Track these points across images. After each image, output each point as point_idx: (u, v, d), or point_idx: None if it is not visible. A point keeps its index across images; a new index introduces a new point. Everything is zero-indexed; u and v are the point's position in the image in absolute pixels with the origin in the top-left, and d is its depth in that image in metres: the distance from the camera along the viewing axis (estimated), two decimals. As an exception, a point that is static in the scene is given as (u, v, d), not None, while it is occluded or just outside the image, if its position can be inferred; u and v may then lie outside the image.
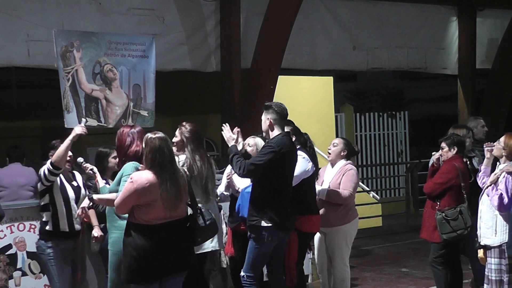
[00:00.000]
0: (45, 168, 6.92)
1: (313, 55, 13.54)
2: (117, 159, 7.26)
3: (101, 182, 7.21)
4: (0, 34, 10.31)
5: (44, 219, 7.06)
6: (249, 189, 7.59)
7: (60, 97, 9.43)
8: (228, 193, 8.26)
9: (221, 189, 8.24)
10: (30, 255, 8.13)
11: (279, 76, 12.49)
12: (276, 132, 7.39)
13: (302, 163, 7.80)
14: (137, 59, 10.16)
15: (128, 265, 6.24)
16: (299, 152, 7.74)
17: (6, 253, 7.90)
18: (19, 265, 8.03)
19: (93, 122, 9.63)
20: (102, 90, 9.78)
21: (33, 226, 8.17)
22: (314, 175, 8.12)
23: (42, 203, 7.05)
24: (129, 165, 6.79)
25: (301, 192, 7.72)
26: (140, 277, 6.21)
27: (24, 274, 8.11)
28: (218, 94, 12.93)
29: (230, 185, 8.16)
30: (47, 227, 7.01)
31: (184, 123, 7.69)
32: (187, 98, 14.54)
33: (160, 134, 6.39)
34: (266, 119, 7.46)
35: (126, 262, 6.26)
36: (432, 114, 36.31)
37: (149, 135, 6.37)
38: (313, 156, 8.16)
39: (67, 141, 6.94)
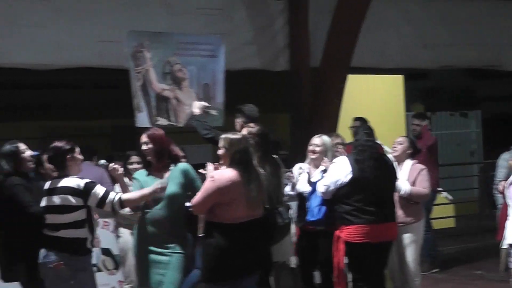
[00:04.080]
0: (115, 198, 6.55)
1: (383, 54, 13.55)
2: (151, 160, 7.07)
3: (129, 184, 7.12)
4: (73, 36, 10.65)
5: (80, 236, 6.52)
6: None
7: (130, 97, 9.67)
8: (294, 193, 8.36)
9: (287, 189, 8.33)
10: (104, 251, 8.43)
11: (348, 75, 12.55)
12: None
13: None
14: (206, 58, 10.29)
15: (209, 264, 6.31)
16: None
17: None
18: (93, 261, 8.29)
19: (163, 122, 9.81)
20: (172, 90, 9.94)
21: (106, 224, 8.47)
22: None
23: (79, 219, 6.50)
24: (186, 165, 6.93)
25: None
26: (221, 276, 6.28)
27: (98, 270, 8.40)
28: (287, 93, 13.07)
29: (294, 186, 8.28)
30: (88, 245, 6.58)
31: (251, 125, 7.62)
32: (255, 97, 14.66)
33: (241, 134, 6.55)
34: (236, 122, 7.89)
35: (207, 261, 6.34)
36: (506, 112, 35.72)
37: (230, 135, 6.51)
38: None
39: (146, 192, 6.67)
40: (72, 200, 6.43)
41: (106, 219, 8.41)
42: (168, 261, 6.73)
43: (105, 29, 10.78)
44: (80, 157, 6.70)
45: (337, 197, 7.56)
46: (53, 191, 6.50)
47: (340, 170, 7.53)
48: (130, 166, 8.10)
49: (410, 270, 8.41)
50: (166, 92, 9.94)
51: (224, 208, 6.30)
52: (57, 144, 6.65)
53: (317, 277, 8.40)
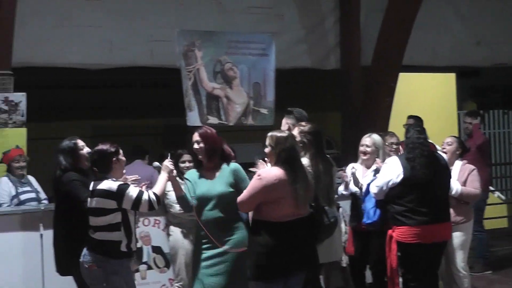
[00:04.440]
0: (150, 196, 6.44)
1: (435, 51, 13.45)
2: (202, 159, 6.94)
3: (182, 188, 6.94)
4: (125, 35, 10.79)
5: (114, 239, 6.40)
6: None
7: (181, 95, 9.71)
8: (347, 193, 8.33)
9: (340, 188, 8.31)
10: (155, 249, 8.49)
11: (400, 73, 12.48)
12: None
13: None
14: (257, 57, 10.29)
15: (256, 262, 6.28)
16: None
17: (133, 247, 8.21)
18: (144, 259, 8.39)
19: (214, 120, 9.85)
20: (223, 89, 9.97)
21: (157, 222, 8.53)
22: None
23: (113, 222, 6.39)
24: (236, 165, 6.87)
25: None
26: (269, 274, 6.24)
27: (149, 267, 8.48)
28: (337, 92, 13.03)
29: (347, 185, 8.24)
30: (122, 248, 6.42)
31: (303, 124, 7.54)
32: (306, 96, 14.66)
33: (287, 132, 6.53)
34: (285, 123, 7.78)
35: (254, 259, 6.30)
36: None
37: (276, 133, 6.45)
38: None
39: (164, 179, 6.65)
40: (106, 203, 6.34)
41: (157, 217, 8.47)
42: (220, 263, 6.66)
43: (156, 28, 10.89)
44: (124, 159, 6.65)
45: (389, 198, 7.51)
46: (93, 193, 6.43)
47: (391, 170, 7.47)
48: (182, 165, 8.13)
49: (458, 270, 8.33)
50: (217, 91, 9.96)
51: (271, 207, 6.27)
52: (102, 146, 6.56)
53: (368, 277, 8.37)
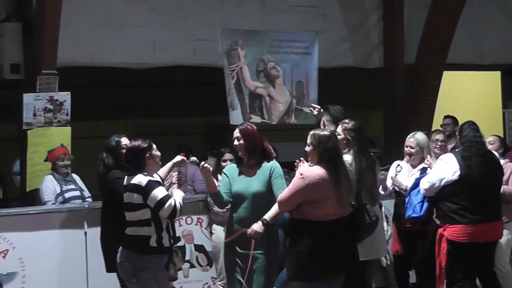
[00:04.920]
0: (176, 204, 6.31)
1: (480, 49, 13.29)
2: (241, 156, 6.85)
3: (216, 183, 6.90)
4: (169, 35, 10.83)
5: (142, 234, 6.33)
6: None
7: (224, 94, 9.71)
8: (384, 193, 8.23)
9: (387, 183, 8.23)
10: (197, 247, 8.52)
11: (444, 72, 12.38)
12: None
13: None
14: (300, 56, 10.28)
15: (298, 262, 6.22)
16: None
17: (176, 245, 8.26)
18: (187, 257, 8.42)
19: (257, 119, 9.84)
20: (265, 88, 9.96)
21: (200, 220, 8.56)
22: None
23: (143, 218, 6.31)
24: (274, 164, 6.78)
25: None
26: (311, 274, 6.18)
27: (192, 266, 8.51)
28: (380, 90, 12.96)
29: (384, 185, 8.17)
30: (151, 243, 6.33)
31: (346, 121, 7.45)
32: (348, 95, 14.62)
33: (329, 131, 6.47)
34: (322, 120, 7.84)
35: (295, 259, 6.24)
36: None
37: (318, 132, 6.39)
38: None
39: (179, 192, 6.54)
40: (135, 198, 6.27)
41: (200, 216, 8.49)
42: (253, 264, 6.58)
43: (199, 27, 10.92)
44: (158, 153, 6.54)
45: (442, 195, 7.43)
46: (125, 188, 6.40)
47: (446, 168, 7.38)
48: (224, 164, 8.15)
49: (501, 268, 8.22)
50: (260, 89, 9.96)
51: (313, 206, 6.20)
52: (134, 143, 6.48)
53: (412, 276, 8.31)
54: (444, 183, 7.36)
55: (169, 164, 6.65)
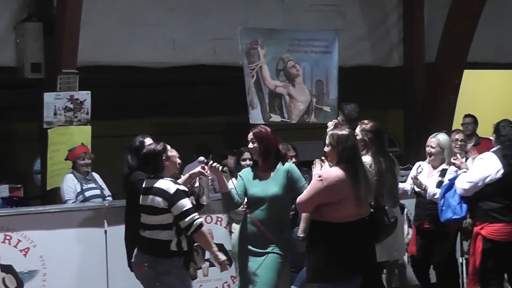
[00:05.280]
0: (197, 221, 6.29)
1: (501, 48, 13.20)
2: (256, 159, 6.86)
3: (230, 184, 6.84)
4: (188, 34, 10.86)
5: (163, 238, 6.28)
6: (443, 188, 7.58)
7: (243, 93, 9.71)
8: (408, 190, 8.21)
9: (403, 185, 8.19)
10: (217, 246, 8.49)
11: (465, 70, 12.31)
12: None
13: None
14: (320, 55, 10.26)
15: (317, 264, 6.18)
16: None
17: (196, 244, 8.25)
18: (207, 256, 8.40)
19: (276, 118, 9.84)
20: (285, 86, 9.96)
21: (219, 219, 8.56)
22: None
23: (165, 222, 6.27)
24: (290, 166, 6.75)
25: None
26: (329, 276, 6.15)
27: (211, 265, 8.49)
28: (400, 89, 12.91)
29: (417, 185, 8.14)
30: (172, 247, 6.29)
31: (365, 121, 7.41)
32: (368, 94, 14.58)
33: (348, 131, 6.40)
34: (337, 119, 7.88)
35: (314, 261, 6.20)
36: None
37: (337, 132, 6.33)
38: None
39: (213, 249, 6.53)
40: (160, 202, 6.22)
41: (219, 215, 8.49)
42: (263, 261, 6.62)
43: (219, 26, 10.93)
44: (174, 153, 6.50)
45: (483, 194, 7.36)
46: (148, 190, 6.32)
47: (489, 166, 7.31)
48: (243, 163, 8.13)
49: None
50: (279, 88, 9.95)
51: (332, 207, 6.15)
52: (149, 147, 6.46)
53: (433, 276, 8.28)
54: (487, 181, 7.31)
55: (186, 176, 6.66)
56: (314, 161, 6.50)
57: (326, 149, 6.33)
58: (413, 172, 8.22)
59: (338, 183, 6.11)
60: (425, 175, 8.12)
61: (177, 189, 6.25)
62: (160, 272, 6.27)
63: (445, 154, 8.07)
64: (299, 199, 6.30)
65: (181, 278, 6.39)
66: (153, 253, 6.29)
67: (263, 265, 6.62)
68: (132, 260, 6.48)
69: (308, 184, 6.41)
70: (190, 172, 6.72)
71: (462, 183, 7.43)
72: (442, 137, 8.14)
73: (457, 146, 8.88)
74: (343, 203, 6.14)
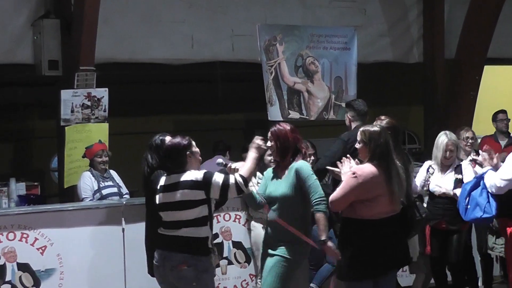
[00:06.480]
0: (236, 179, 6.03)
1: (522, 43, 13.07)
2: (273, 157, 6.73)
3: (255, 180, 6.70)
4: (207, 31, 10.79)
5: (202, 235, 6.06)
6: (467, 186, 7.42)
7: (262, 90, 9.65)
8: (418, 188, 8.02)
9: (417, 183, 8.03)
10: (235, 244, 8.42)
11: (485, 66, 12.18)
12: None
13: None
14: (339, 51, 10.21)
15: (350, 261, 6.10)
16: None
17: (214, 242, 8.16)
18: (225, 254, 8.32)
19: (295, 115, 9.79)
20: (304, 83, 9.92)
21: (238, 217, 8.46)
22: None
23: (201, 215, 6.04)
24: (300, 164, 6.49)
25: None
26: (362, 274, 6.08)
27: (230, 263, 8.42)
28: (420, 86, 12.79)
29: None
30: (209, 244, 6.12)
31: (382, 117, 7.39)
32: (388, 90, 14.50)
33: (380, 127, 6.28)
34: (346, 117, 7.91)
35: (347, 258, 6.12)
36: None
37: (369, 128, 6.25)
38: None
39: (253, 158, 6.21)
40: (193, 194, 5.97)
41: (238, 212, 8.40)
42: (267, 263, 6.49)
43: (238, 23, 10.86)
44: (198, 150, 6.27)
45: None
46: (172, 186, 6.05)
47: None
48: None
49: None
50: (298, 85, 9.91)
51: (366, 204, 6.08)
52: (173, 141, 6.20)
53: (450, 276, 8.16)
54: None
55: (252, 158, 6.24)
56: (342, 159, 6.39)
57: (358, 146, 6.28)
58: (422, 174, 8.06)
59: (372, 179, 6.07)
60: (437, 175, 7.97)
61: (204, 173, 6.02)
62: (201, 270, 6.04)
63: (459, 152, 7.99)
64: (332, 197, 6.19)
65: (213, 276, 6.27)
66: (192, 252, 6.02)
67: (265, 267, 6.47)
68: (156, 263, 6.17)
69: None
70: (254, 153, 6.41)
71: (496, 181, 7.23)
72: (452, 136, 8.02)
73: (468, 144, 8.72)
74: (377, 199, 6.10)
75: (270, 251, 6.50)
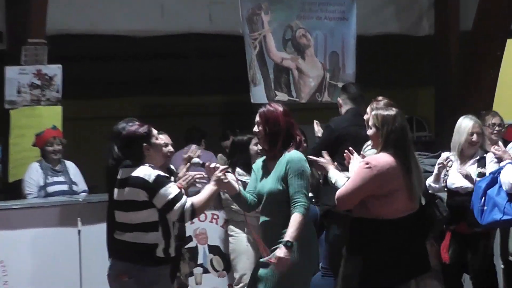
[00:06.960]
0: (187, 204, 5.92)
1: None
2: (260, 146, 6.67)
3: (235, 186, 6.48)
4: (181, -1, 10.82)
5: (148, 242, 5.97)
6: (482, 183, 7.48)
7: (244, 68, 9.66)
8: (438, 186, 8.00)
9: (429, 180, 8.02)
10: (212, 249, 8.46)
11: (508, 40, 12.24)
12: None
13: None
14: (335, 22, 10.25)
15: (363, 269, 6.07)
16: None
17: (186, 247, 8.21)
18: (200, 261, 8.36)
19: (283, 97, 9.82)
20: (294, 59, 9.95)
21: (215, 217, 8.49)
22: None
23: (149, 220, 5.96)
24: (291, 155, 6.32)
25: None
26: (379, 282, 6.05)
27: (205, 271, 8.46)
28: (431, 63, 12.86)
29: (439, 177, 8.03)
30: (158, 253, 6.00)
31: (378, 98, 7.40)
32: (393, 68, 14.57)
33: (395, 110, 6.24)
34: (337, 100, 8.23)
35: (359, 266, 6.08)
36: None
37: (382, 112, 6.23)
38: None
39: (210, 190, 6.11)
40: (137, 193, 5.89)
41: (215, 212, 8.42)
42: (261, 273, 6.29)
43: (216, -11, 10.88)
44: (160, 141, 6.21)
45: None
46: (124, 182, 5.98)
47: None
48: (254, 147, 7.96)
49: None
50: (287, 61, 9.95)
51: (381, 201, 6.03)
52: (129, 129, 6.08)
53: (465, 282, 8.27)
54: None
55: (209, 190, 6.18)
56: (348, 151, 6.42)
57: (370, 132, 6.27)
58: (442, 158, 8.06)
59: (389, 170, 6.03)
60: (454, 167, 7.98)
61: (157, 175, 5.93)
62: (147, 283, 5.99)
63: (483, 139, 8.02)
64: (339, 192, 6.14)
65: None
66: (136, 261, 5.98)
67: (258, 277, 6.36)
68: (107, 272, 6.17)
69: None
70: (185, 177, 6.56)
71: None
72: (477, 120, 8.04)
73: (495, 132, 8.72)
74: (395, 195, 6.06)
75: (262, 259, 6.34)
